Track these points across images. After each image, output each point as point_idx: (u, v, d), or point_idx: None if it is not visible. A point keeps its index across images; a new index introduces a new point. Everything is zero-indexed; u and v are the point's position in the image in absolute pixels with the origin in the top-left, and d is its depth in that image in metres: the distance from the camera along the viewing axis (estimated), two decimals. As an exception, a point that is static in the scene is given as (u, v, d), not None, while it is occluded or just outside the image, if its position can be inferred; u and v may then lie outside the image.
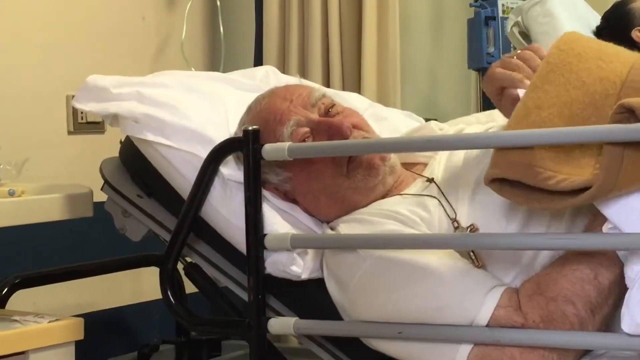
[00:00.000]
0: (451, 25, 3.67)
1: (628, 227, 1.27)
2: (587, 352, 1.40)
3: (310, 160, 1.63)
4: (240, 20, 3.41)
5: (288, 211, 1.68)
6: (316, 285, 1.62)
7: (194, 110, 1.78)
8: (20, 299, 2.20)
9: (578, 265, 1.36)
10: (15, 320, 1.89)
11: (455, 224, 1.51)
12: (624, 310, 1.27)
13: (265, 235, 1.60)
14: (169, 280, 1.73)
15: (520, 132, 1.36)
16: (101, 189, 1.96)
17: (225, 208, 1.67)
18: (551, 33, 2.98)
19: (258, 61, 3.15)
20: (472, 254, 1.46)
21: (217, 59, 3.34)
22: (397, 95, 3.03)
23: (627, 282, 1.29)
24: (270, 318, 1.60)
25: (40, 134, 2.76)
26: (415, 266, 1.46)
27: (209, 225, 1.71)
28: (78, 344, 1.93)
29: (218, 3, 3.30)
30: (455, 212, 1.53)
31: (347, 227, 1.62)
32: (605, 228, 1.31)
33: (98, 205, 2.03)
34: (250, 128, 1.60)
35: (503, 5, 3.20)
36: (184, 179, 1.72)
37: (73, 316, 1.98)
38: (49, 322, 1.88)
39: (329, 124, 1.65)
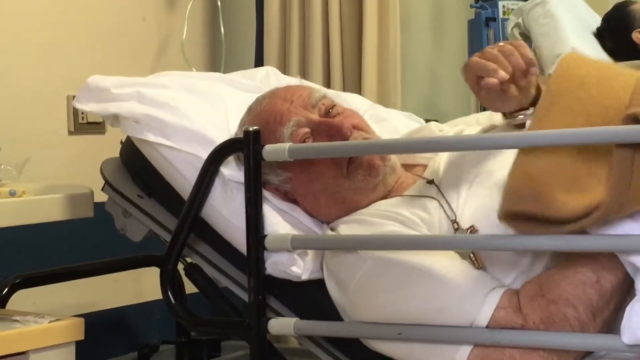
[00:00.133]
0: (452, 26, 3.68)
1: None
2: (587, 354, 1.40)
3: (310, 161, 1.64)
4: (241, 20, 3.41)
5: (288, 212, 1.68)
6: (316, 286, 1.63)
7: (195, 110, 1.78)
8: (21, 299, 2.20)
9: (580, 268, 1.36)
10: (16, 320, 1.89)
11: (455, 226, 1.51)
12: (625, 323, 1.27)
13: (266, 235, 1.60)
14: (169, 281, 1.73)
15: (520, 134, 1.36)
16: (102, 190, 1.97)
17: (225, 208, 1.67)
18: (552, 34, 2.98)
19: (259, 62, 3.15)
20: (472, 255, 1.46)
21: (217, 59, 3.34)
22: (398, 96, 3.03)
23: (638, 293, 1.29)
24: (270, 318, 1.60)
25: (40, 135, 2.76)
26: (415, 267, 1.46)
27: (209, 226, 1.71)
28: (78, 344, 1.93)
29: (219, 3, 3.30)
30: (455, 214, 1.53)
31: (347, 227, 1.62)
32: None
33: (99, 206, 2.03)
34: (250, 129, 1.60)
35: (503, 6, 3.20)
36: (184, 179, 1.72)
37: (73, 316, 1.98)
38: (50, 322, 1.88)
39: (329, 125, 1.65)
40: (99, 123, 2.88)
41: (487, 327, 1.38)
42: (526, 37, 3.08)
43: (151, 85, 1.86)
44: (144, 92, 1.81)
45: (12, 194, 2.03)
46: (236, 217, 1.64)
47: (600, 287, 1.35)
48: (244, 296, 1.70)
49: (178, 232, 1.71)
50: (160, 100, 1.79)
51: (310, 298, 1.65)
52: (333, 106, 1.70)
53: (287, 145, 1.57)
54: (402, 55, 3.10)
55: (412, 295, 1.45)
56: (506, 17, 3.18)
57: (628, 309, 1.29)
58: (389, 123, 1.97)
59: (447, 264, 1.46)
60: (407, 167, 1.73)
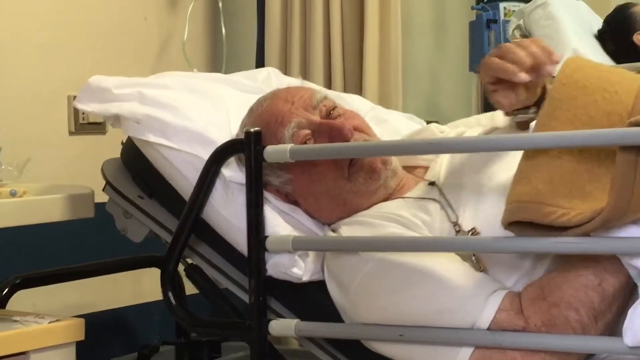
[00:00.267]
0: (453, 27, 3.68)
1: None
2: (588, 356, 1.39)
3: (311, 162, 1.63)
4: (242, 21, 3.40)
5: (289, 213, 1.68)
6: (317, 288, 1.62)
7: (196, 111, 1.78)
8: (21, 300, 2.20)
9: (582, 271, 1.36)
10: (16, 321, 1.88)
11: (457, 228, 1.51)
12: (627, 325, 1.27)
13: (267, 237, 1.60)
14: (170, 282, 1.72)
15: (522, 135, 1.35)
16: (102, 190, 1.96)
17: (226, 210, 1.66)
18: (553, 36, 2.98)
19: (260, 62, 3.14)
20: (473, 257, 1.46)
21: (219, 60, 3.33)
22: (399, 97, 3.03)
23: None
24: (271, 320, 1.60)
25: (41, 135, 2.76)
26: (416, 269, 1.46)
27: (210, 227, 1.71)
28: (79, 344, 1.93)
29: (220, 4, 3.30)
30: (456, 216, 1.53)
31: (348, 229, 1.62)
32: None
33: (99, 206, 2.03)
34: (252, 130, 1.60)
35: (505, 8, 3.19)
36: (185, 180, 1.72)
37: (73, 317, 1.98)
38: (50, 322, 1.88)
39: (330, 126, 1.65)
40: (99, 123, 2.88)
41: (488, 329, 1.38)
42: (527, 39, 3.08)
43: (152, 86, 1.86)
44: (145, 92, 1.81)
45: (13, 194, 2.03)
46: (237, 218, 1.64)
47: (602, 290, 1.35)
48: (245, 297, 1.70)
49: (179, 233, 1.71)
50: (161, 100, 1.79)
51: (311, 299, 1.65)
52: (334, 107, 1.69)
53: (288, 146, 1.56)
54: (403, 57, 3.10)
55: (414, 296, 1.45)
56: (507, 19, 3.17)
57: (630, 311, 1.28)
58: (390, 124, 1.97)
59: (449, 266, 1.45)
60: (409, 169, 1.73)
